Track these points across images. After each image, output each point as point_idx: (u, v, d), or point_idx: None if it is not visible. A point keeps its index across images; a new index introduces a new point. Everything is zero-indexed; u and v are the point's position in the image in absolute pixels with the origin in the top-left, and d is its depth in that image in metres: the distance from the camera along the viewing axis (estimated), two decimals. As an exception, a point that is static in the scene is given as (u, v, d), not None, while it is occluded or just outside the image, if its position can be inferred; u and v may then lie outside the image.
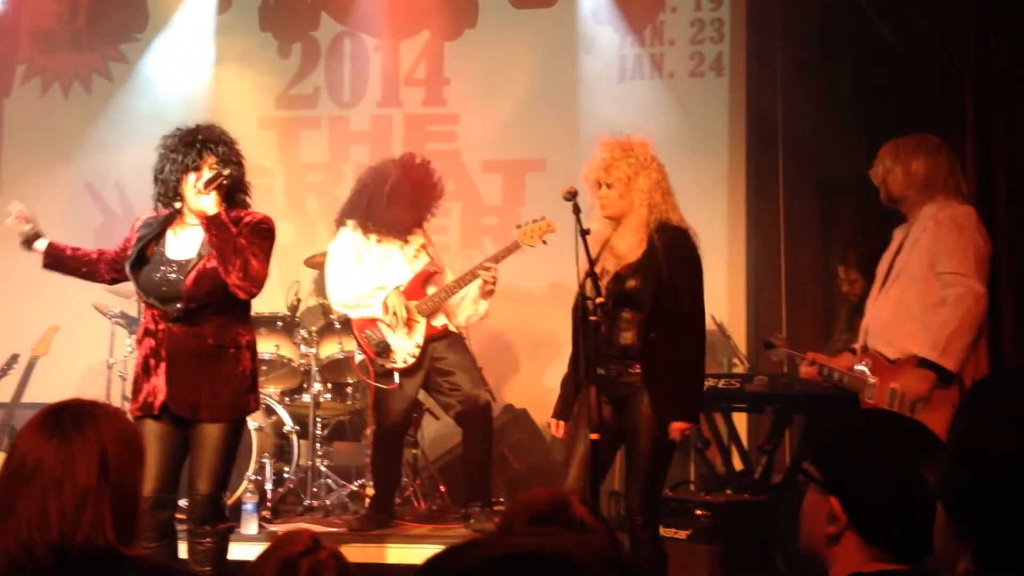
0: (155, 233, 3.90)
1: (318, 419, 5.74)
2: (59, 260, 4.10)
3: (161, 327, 3.83)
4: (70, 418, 1.94)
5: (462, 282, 5.18)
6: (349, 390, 5.95)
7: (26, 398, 6.15)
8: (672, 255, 3.86)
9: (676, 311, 3.84)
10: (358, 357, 5.30)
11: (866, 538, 1.68)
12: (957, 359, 3.76)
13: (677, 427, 3.78)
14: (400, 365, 5.13)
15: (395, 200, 5.19)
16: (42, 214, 7.20)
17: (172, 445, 3.80)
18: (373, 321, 5.16)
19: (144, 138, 7.38)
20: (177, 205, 3.84)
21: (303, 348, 5.84)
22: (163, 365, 3.79)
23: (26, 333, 6.34)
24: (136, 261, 3.88)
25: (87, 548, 1.86)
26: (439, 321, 5.19)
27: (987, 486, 1.14)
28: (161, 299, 3.83)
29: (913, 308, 3.88)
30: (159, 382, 3.79)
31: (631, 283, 3.87)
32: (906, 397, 3.83)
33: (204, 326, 3.80)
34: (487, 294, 5.20)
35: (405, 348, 5.13)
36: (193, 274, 3.77)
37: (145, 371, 3.85)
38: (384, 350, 5.12)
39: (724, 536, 4.36)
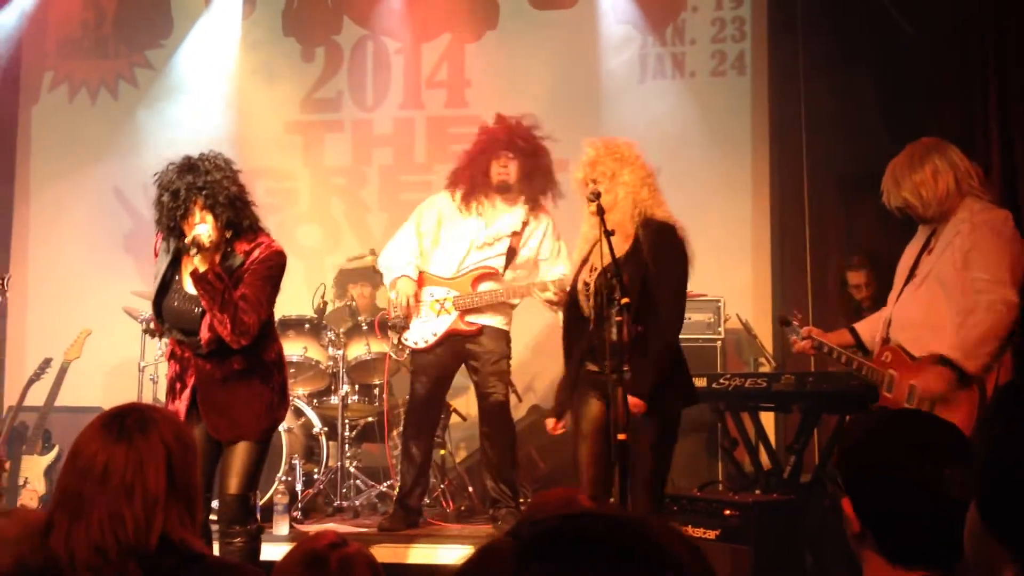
0: (171, 260, 3.89)
1: (346, 420, 5.78)
2: None
3: (186, 354, 3.88)
4: (134, 422, 1.97)
5: (513, 293, 5.06)
6: (376, 391, 6.00)
7: (59, 401, 6.24)
8: (656, 249, 3.87)
9: (654, 300, 3.83)
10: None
11: (881, 545, 1.64)
12: (981, 363, 3.73)
13: (631, 401, 3.69)
14: (410, 344, 5.16)
15: (495, 154, 5.08)
16: (71, 220, 7.40)
17: (201, 446, 3.84)
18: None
19: (171, 142, 7.51)
20: (190, 253, 3.78)
21: (330, 350, 5.89)
22: (187, 392, 3.84)
23: (58, 338, 6.43)
24: (159, 292, 3.89)
25: (162, 549, 1.90)
26: (475, 321, 5.10)
27: None
28: (184, 332, 3.87)
29: (943, 311, 3.84)
30: (181, 407, 3.85)
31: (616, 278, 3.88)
32: (923, 394, 3.82)
33: (230, 355, 3.83)
34: (551, 305, 5.01)
35: (420, 333, 5.12)
36: (205, 322, 3.77)
37: (172, 392, 3.93)
38: (397, 325, 5.17)
39: (753, 536, 4.36)
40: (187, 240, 3.70)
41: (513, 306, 5.21)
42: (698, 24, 7.02)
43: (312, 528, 5.21)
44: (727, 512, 4.46)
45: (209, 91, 7.34)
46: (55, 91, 7.65)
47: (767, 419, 5.80)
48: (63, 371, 6.26)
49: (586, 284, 3.95)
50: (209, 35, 7.42)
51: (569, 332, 4.07)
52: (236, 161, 3.91)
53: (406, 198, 7.07)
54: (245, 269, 3.79)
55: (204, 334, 3.78)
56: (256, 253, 3.82)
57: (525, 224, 5.14)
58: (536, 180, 5.14)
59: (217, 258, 3.77)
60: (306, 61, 7.45)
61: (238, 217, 3.79)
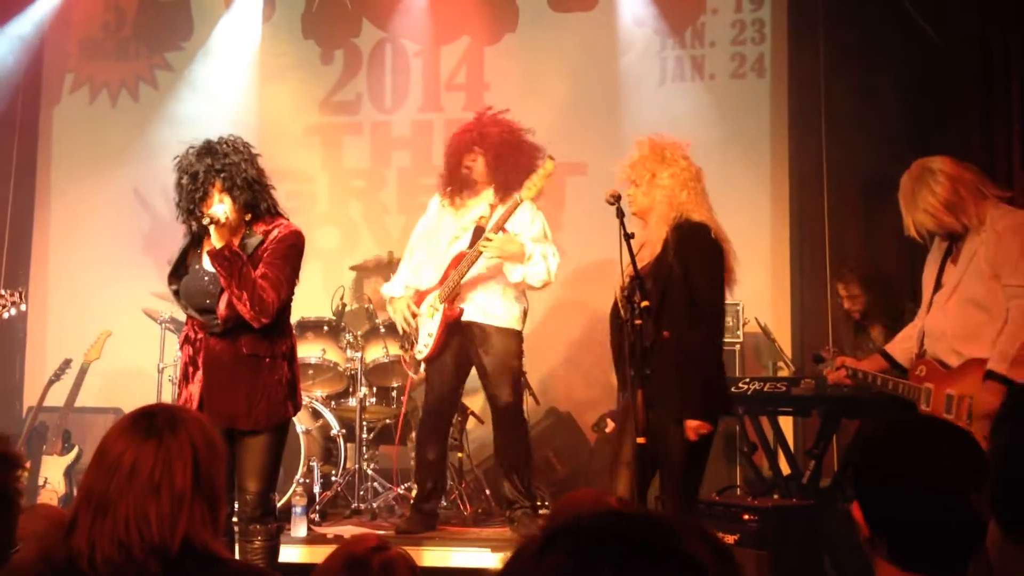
0: (192, 241, 3.98)
1: (364, 423, 5.79)
2: None
3: (200, 336, 3.91)
4: (163, 421, 1.98)
5: (469, 262, 5.00)
6: (394, 394, 6.00)
7: (79, 402, 6.27)
8: (684, 250, 3.81)
9: (689, 306, 3.77)
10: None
11: (892, 551, 1.64)
12: None
13: (691, 425, 3.70)
14: (417, 356, 5.17)
15: (466, 150, 5.09)
16: (91, 221, 7.44)
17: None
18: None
19: (190, 144, 7.57)
20: (204, 222, 3.83)
21: (349, 352, 5.90)
22: (199, 374, 3.88)
23: (78, 339, 6.46)
24: (176, 270, 3.96)
25: (184, 549, 1.90)
26: (459, 304, 5.06)
27: None
28: (200, 311, 3.90)
29: (978, 322, 3.80)
30: (195, 390, 3.87)
31: (648, 283, 3.84)
32: (979, 411, 3.76)
33: (240, 337, 3.85)
34: (509, 259, 4.95)
35: (423, 340, 5.14)
36: (225, 299, 3.82)
37: (185, 377, 3.96)
38: (407, 343, 5.22)
39: (772, 541, 4.34)
40: (204, 218, 3.75)
41: (523, 305, 5.16)
42: (718, 26, 6.99)
43: (330, 530, 5.22)
44: (746, 517, 4.43)
45: (229, 93, 7.37)
46: (76, 93, 7.70)
47: (786, 423, 5.78)
48: (83, 372, 6.29)
49: (623, 289, 3.90)
50: (229, 37, 7.45)
51: (613, 338, 4.02)
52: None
53: (424, 200, 7.04)
54: (264, 249, 3.85)
55: (222, 311, 3.81)
56: (275, 233, 3.88)
57: (493, 207, 5.08)
58: (503, 173, 5.06)
59: (236, 240, 3.82)
60: (325, 63, 7.47)
61: (256, 199, 3.86)
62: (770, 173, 6.83)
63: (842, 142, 6.44)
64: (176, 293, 3.97)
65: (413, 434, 5.96)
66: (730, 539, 4.41)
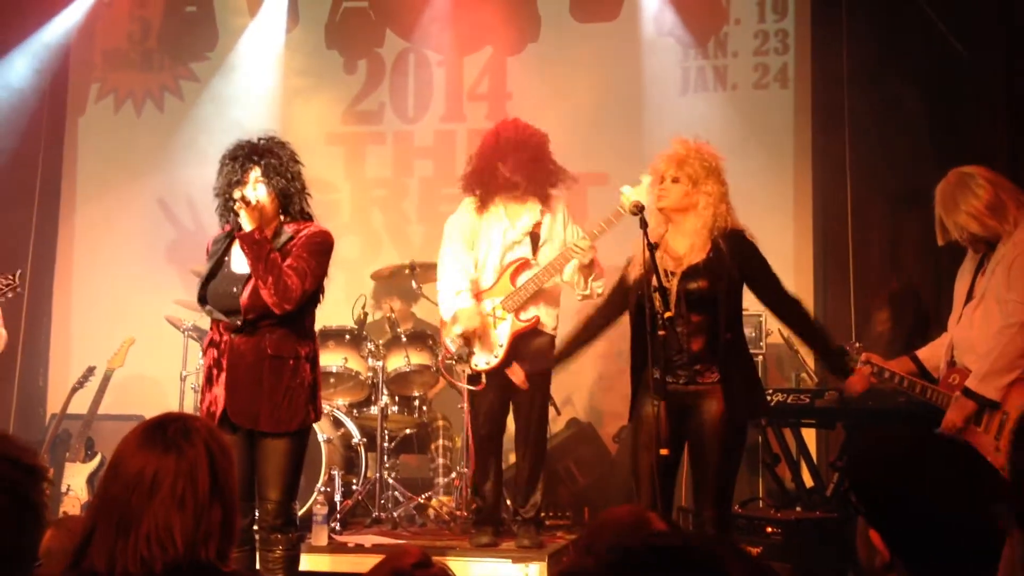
0: (222, 248, 4.02)
1: (385, 431, 5.79)
2: None
3: (224, 338, 3.93)
4: (176, 432, 1.95)
5: (551, 270, 4.92)
6: (416, 403, 6.00)
7: (102, 410, 6.31)
8: (742, 257, 3.90)
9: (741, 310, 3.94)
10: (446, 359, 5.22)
11: (911, 572, 1.61)
12: (1000, 392, 3.75)
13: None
14: (483, 367, 4.97)
15: (501, 157, 5.06)
16: (116, 230, 7.48)
17: (240, 452, 3.84)
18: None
19: (214, 155, 7.61)
20: (235, 196, 3.90)
21: (370, 361, 5.90)
22: (223, 376, 3.89)
23: (102, 346, 6.50)
24: (206, 281, 3.99)
25: (192, 564, 1.88)
26: (528, 314, 5.00)
27: None
28: (224, 311, 3.93)
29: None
30: (220, 392, 3.88)
31: (696, 284, 3.85)
32: (943, 429, 3.79)
33: (264, 337, 3.87)
34: (584, 269, 4.88)
35: (488, 349, 4.99)
36: (248, 288, 3.85)
37: (208, 381, 3.96)
38: (466, 355, 4.98)
39: (796, 554, 4.31)
40: (237, 202, 3.81)
41: (556, 311, 5.13)
42: (741, 36, 6.97)
43: (351, 539, 5.22)
44: (769, 529, 4.41)
45: (253, 103, 7.39)
46: (101, 102, 7.74)
47: (809, 435, 5.74)
48: (106, 379, 6.33)
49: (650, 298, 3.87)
50: (253, 47, 7.49)
51: (634, 343, 4.01)
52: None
53: (446, 210, 7.05)
54: (293, 245, 3.89)
55: (244, 300, 3.83)
56: (305, 231, 3.94)
57: (543, 213, 5.10)
58: (540, 175, 5.07)
59: (269, 233, 3.88)
60: (348, 73, 7.49)
61: (291, 197, 3.94)
62: (793, 183, 6.80)
63: (866, 152, 6.41)
64: (202, 299, 3.99)
65: (433, 445, 5.96)
66: (753, 552, 4.38)
